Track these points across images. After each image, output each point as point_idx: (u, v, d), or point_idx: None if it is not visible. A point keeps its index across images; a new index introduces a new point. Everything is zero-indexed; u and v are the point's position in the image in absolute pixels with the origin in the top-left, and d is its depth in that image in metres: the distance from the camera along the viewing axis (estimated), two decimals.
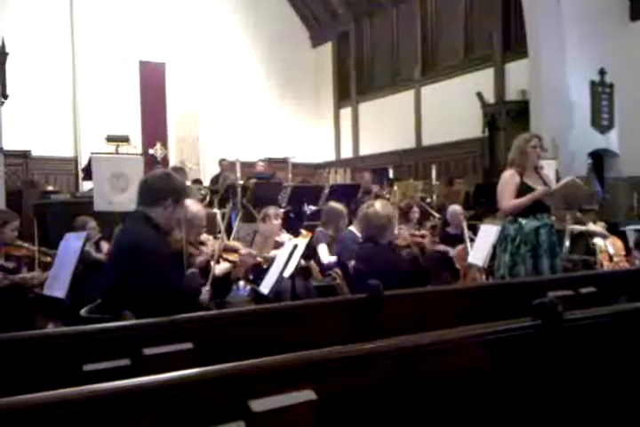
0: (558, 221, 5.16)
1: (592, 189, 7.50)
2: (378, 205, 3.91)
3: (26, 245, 4.65)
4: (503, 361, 1.85)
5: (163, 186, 2.96)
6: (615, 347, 2.03)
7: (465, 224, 6.56)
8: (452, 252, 6.08)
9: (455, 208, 6.80)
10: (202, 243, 3.92)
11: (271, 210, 5.49)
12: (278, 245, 4.88)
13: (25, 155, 11.26)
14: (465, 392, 1.77)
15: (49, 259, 4.50)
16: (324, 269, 4.97)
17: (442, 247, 6.14)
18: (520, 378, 1.83)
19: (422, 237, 6.14)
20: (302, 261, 4.47)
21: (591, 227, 5.35)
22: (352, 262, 4.18)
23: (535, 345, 1.83)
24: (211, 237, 4.46)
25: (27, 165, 11.36)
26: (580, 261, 4.93)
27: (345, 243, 4.96)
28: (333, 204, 5.73)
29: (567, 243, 4.78)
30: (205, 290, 3.23)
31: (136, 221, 2.92)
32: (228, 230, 5.53)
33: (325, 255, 5.20)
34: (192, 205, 3.70)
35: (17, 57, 11.24)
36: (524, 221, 4.34)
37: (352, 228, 5.23)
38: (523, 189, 4.36)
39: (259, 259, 4.39)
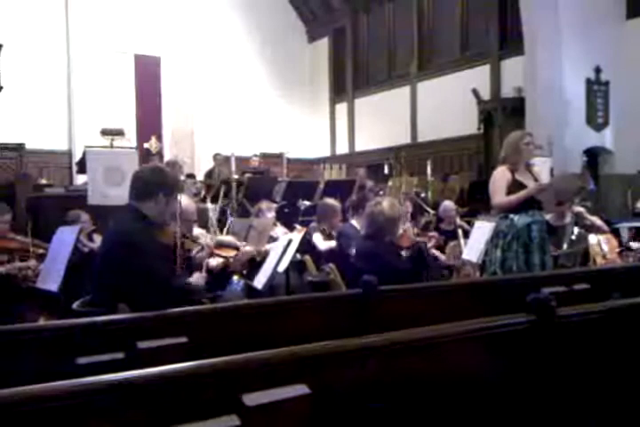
0: (558, 217, 5.17)
1: (584, 184, 7.52)
2: (385, 204, 3.88)
3: (18, 237, 4.64)
4: (497, 356, 1.85)
5: (154, 180, 2.93)
6: (608, 343, 2.04)
7: (458, 220, 6.57)
8: (446, 249, 6.08)
9: (448, 204, 6.79)
10: (193, 240, 3.91)
11: (264, 204, 5.50)
12: (272, 239, 4.88)
13: (19, 148, 11.20)
14: (459, 387, 1.78)
15: (41, 251, 4.49)
16: (322, 255, 4.99)
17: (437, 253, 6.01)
18: (514, 372, 1.84)
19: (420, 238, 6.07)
20: (297, 256, 4.47)
21: (595, 219, 5.36)
22: (353, 251, 4.19)
23: (529, 340, 1.84)
24: (204, 232, 4.46)
25: (20, 158, 11.29)
26: (577, 260, 4.96)
27: (346, 234, 4.97)
28: (327, 200, 5.73)
29: (566, 240, 4.80)
30: (201, 276, 3.23)
31: (126, 215, 2.91)
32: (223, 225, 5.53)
33: (321, 242, 5.23)
34: (182, 199, 3.69)
35: (11, 49, 11.17)
36: (515, 218, 4.34)
37: (353, 222, 5.25)
38: (514, 186, 4.36)
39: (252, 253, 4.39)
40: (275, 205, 5.91)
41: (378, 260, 3.66)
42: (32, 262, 4.37)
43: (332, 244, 5.16)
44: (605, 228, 5.40)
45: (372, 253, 3.77)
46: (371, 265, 3.57)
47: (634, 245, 5.29)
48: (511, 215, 4.36)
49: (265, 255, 4.22)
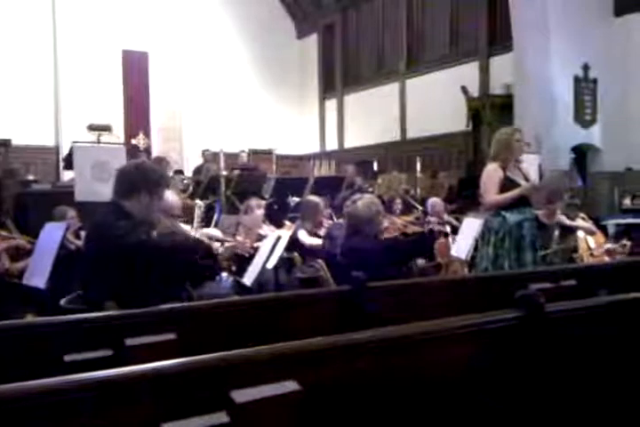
0: (548, 215, 5.19)
1: (572, 181, 7.58)
2: (360, 203, 3.85)
3: (4, 233, 4.60)
4: (486, 352, 1.86)
5: (137, 178, 2.90)
6: (595, 338, 2.05)
7: (446, 217, 6.59)
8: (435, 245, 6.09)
9: (435, 201, 6.81)
10: None
11: (253, 201, 5.47)
12: (261, 237, 4.86)
13: (5, 144, 11.09)
14: (449, 383, 1.78)
15: (28, 246, 4.46)
16: (308, 251, 4.97)
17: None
18: (503, 368, 1.84)
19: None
20: (284, 254, 4.46)
21: (580, 223, 5.40)
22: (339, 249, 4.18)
23: (518, 336, 1.84)
24: (188, 228, 4.45)
25: (6, 154, 11.18)
26: (567, 256, 5.01)
27: (333, 235, 4.96)
28: (310, 197, 5.70)
29: (556, 238, 4.83)
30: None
31: (108, 213, 2.88)
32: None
33: (307, 238, 5.20)
34: (168, 195, 3.66)
35: None
36: (507, 215, 4.33)
37: (341, 221, 5.23)
38: (506, 184, 4.35)
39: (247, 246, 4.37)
40: (264, 203, 5.89)
41: (361, 255, 3.65)
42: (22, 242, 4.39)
43: (317, 241, 5.13)
44: (593, 229, 5.44)
45: (356, 249, 3.75)
46: (355, 261, 3.56)
47: (623, 241, 5.35)
48: (503, 212, 4.34)
49: (254, 252, 4.21)
